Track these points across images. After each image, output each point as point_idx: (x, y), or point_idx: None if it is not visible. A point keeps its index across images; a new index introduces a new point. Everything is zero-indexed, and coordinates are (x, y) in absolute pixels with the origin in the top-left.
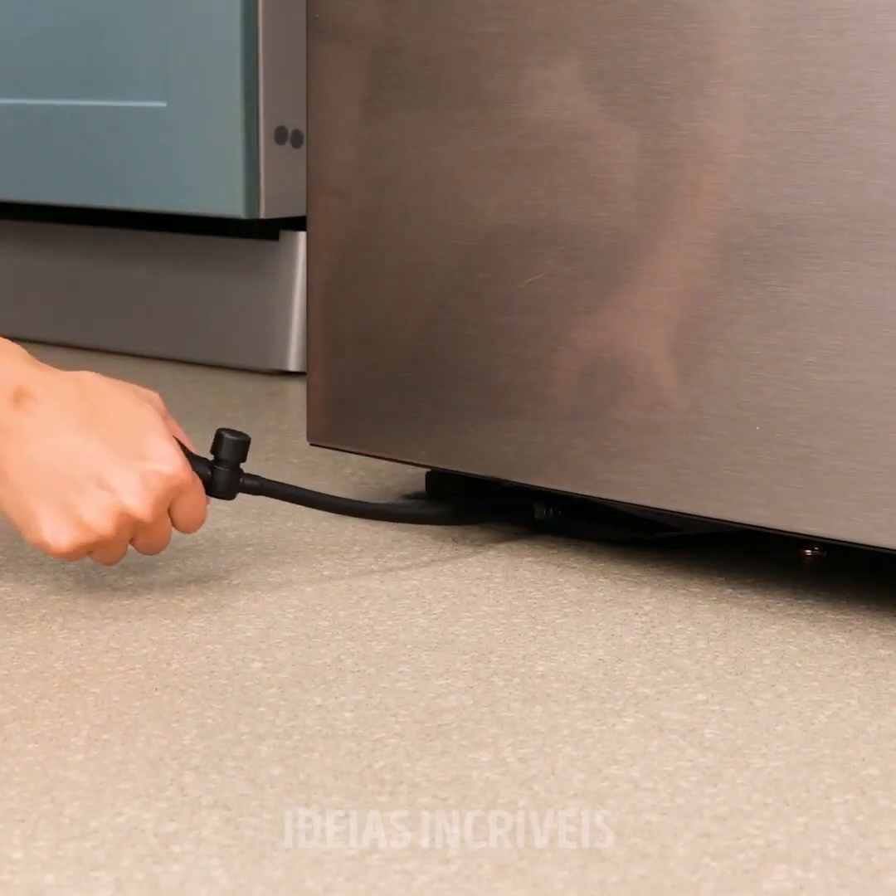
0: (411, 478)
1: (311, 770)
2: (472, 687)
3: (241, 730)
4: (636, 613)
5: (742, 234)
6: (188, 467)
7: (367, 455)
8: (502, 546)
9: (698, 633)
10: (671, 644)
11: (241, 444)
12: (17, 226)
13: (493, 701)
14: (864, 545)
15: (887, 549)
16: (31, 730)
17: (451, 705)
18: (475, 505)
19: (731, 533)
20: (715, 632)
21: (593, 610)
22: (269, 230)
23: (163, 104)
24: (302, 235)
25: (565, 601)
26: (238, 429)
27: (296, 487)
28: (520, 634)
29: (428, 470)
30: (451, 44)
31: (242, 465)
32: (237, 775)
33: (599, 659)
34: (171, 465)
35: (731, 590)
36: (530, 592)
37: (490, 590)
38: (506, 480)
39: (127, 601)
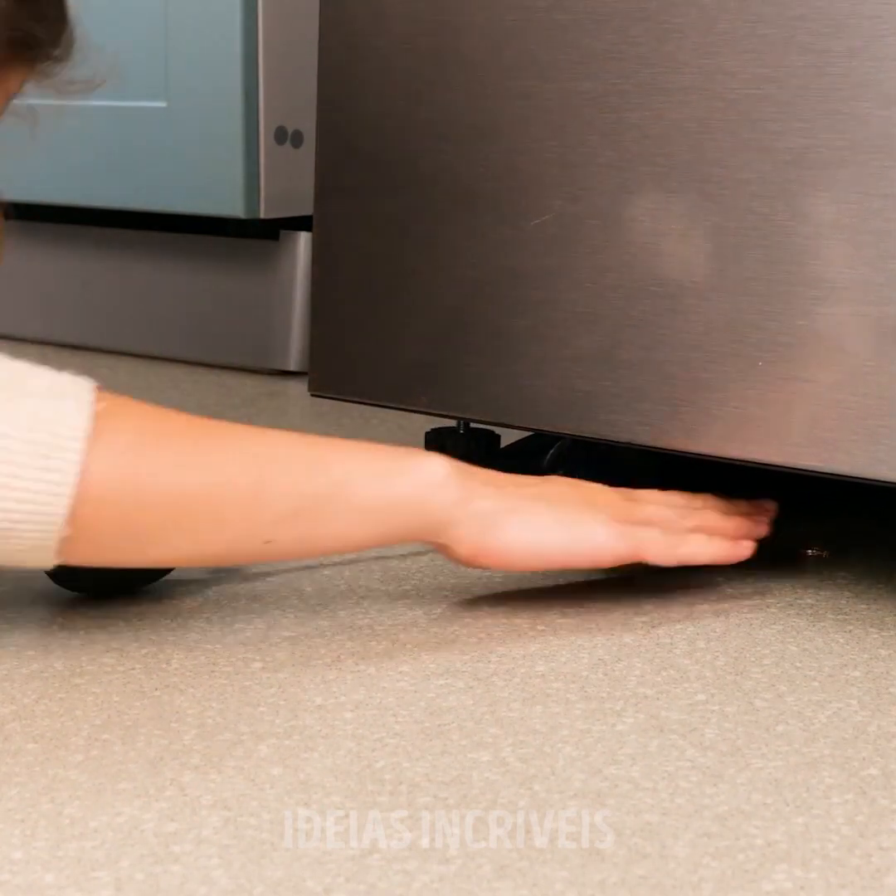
0: None
1: (311, 770)
2: (472, 687)
3: (241, 730)
4: (636, 613)
5: (750, 170)
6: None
7: (368, 404)
8: None
9: (698, 633)
10: (671, 644)
11: None
12: (17, 226)
13: (493, 701)
14: (864, 479)
15: (887, 482)
16: (31, 730)
17: (451, 705)
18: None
19: None
20: (715, 632)
21: (593, 610)
22: (269, 230)
23: (163, 104)
24: (302, 235)
25: (565, 601)
26: None
27: None
28: (520, 634)
29: (428, 429)
30: None
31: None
32: (237, 775)
33: (599, 659)
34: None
35: (731, 590)
36: (530, 592)
37: (490, 590)
38: (507, 425)
39: (127, 601)
